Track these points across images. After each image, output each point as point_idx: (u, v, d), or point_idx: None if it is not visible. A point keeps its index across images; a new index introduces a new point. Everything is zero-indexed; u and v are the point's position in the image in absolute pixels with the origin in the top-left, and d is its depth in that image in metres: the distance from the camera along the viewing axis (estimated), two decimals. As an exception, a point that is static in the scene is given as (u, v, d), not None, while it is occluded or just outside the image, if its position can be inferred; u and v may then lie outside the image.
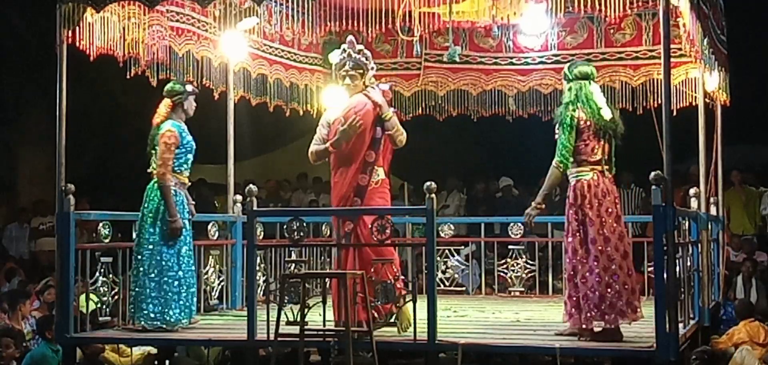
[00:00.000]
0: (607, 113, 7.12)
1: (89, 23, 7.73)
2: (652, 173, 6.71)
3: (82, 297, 7.87)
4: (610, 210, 6.98)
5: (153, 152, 7.90)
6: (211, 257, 9.13)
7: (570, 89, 7.18)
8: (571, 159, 7.02)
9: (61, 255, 7.57)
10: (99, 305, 7.92)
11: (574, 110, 7.05)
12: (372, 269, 7.06)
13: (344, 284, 6.74)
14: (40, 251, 14.70)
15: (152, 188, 7.86)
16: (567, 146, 7.00)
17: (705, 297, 8.58)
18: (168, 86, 8.08)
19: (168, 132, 7.82)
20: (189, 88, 8.14)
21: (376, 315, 6.96)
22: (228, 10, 8.68)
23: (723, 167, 10.15)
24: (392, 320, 7.12)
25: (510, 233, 10.59)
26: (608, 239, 6.93)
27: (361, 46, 7.68)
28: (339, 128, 7.45)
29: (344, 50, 7.61)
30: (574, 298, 7.02)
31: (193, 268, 8.08)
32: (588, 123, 7.04)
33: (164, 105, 7.97)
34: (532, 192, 14.60)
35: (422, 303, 6.82)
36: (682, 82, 9.97)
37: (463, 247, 11.41)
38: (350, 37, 7.69)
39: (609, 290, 6.88)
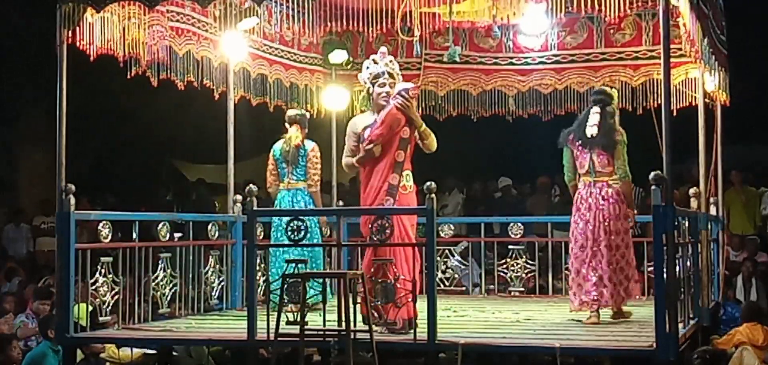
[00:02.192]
0: (589, 131, 7.93)
1: (89, 23, 7.72)
2: (652, 173, 6.73)
3: (83, 307, 7.88)
4: (582, 215, 7.99)
5: (293, 167, 8.95)
6: (211, 257, 9.16)
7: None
8: (571, 172, 8.19)
9: (61, 255, 7.56)
10: (99, 304, 7.93)
11: (569, 134, 8.11)
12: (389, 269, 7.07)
13: (346, 284, 6.74)
14: (39, 250, 14.70)
15: (307, 199, 8.94)
16: (564, 163, 8.19)
17: (705, 297, 8.59)
18: (295, 114, 9.18)
19: (317, 150, 9.01)
20: (307, 113, 9.47)
21: (376, 314, 6.98)
22: (228, 10, 8.68)
23: (723, 167, 10.15)
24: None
25: (509, 233, 10.60)
26: (575, 239, 8.06)
27: (391, 57, 7.78)
28: (364, 147, 7.52)
29: (376, 62, 7.67)
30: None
31: None
32: (574, 141, 8.07)
33: (296, 129, 9.03)
34: (530, 192, 14.74)
35: (422, 303, 6.82)
36: (682, 82, 9.98)
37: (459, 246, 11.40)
38: (383, 48, 7.82)
39: (579, 276, 8.00)
